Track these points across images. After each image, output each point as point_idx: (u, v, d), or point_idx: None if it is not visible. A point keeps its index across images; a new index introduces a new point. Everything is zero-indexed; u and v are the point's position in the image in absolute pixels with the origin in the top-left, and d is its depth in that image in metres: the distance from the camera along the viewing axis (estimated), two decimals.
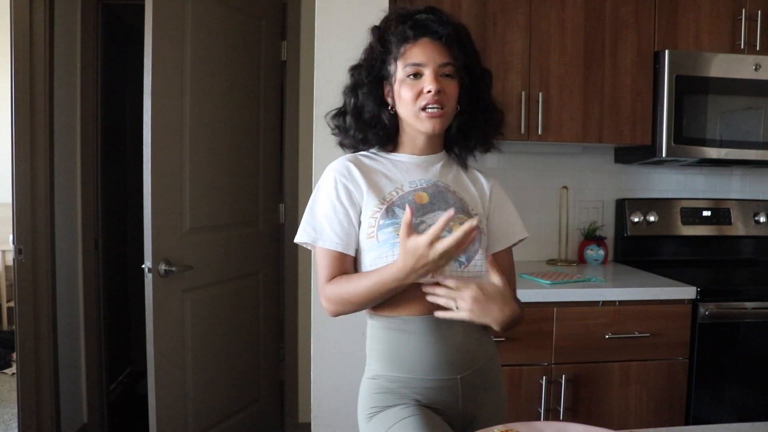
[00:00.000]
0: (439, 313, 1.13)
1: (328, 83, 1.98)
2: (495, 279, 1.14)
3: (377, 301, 1.17)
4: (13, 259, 2.49)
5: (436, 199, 1.22)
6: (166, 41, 2.08)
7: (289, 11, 2.75)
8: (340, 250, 1.20)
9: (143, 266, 2.08)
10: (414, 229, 1.15)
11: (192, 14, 2.18)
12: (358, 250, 1.23)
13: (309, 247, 1.26)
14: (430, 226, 1.17)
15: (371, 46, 1.25)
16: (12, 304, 4.17)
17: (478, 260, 1.22)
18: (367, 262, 1.20)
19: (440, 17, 1.21)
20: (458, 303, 1.10)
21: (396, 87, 1.21)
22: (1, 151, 3.29)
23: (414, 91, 1.18)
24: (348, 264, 1.22)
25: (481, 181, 1.33)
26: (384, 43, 1.22)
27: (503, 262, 1.30)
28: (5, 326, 4.53)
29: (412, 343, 1.18)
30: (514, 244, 1.35)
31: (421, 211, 1.19)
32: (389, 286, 1.12)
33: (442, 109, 1.18)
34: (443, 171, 1.28)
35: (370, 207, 1.20)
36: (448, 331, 1.19)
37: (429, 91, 1.17)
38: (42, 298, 2.52)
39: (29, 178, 2.47)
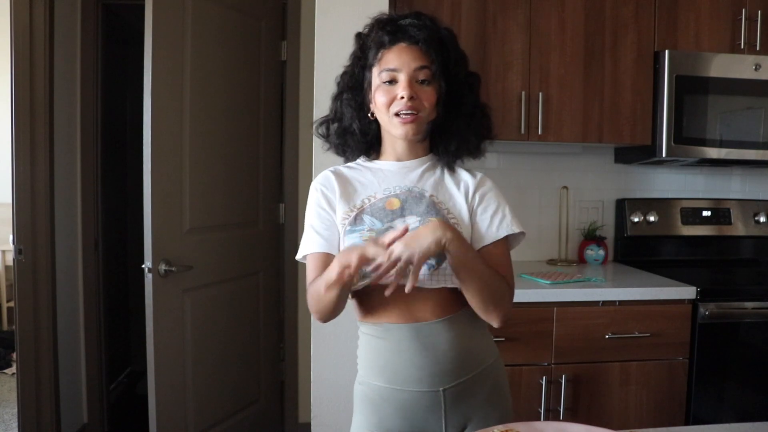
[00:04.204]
0: (407, 287, 1.05)
1: (328, 83, 1.95)
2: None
3: (332, 300, 1.13)
4: (13, 259, 2.49)
5: (407, 204, 1.19)
6: (166, 41, 2.08)
7: (289, 11, 2.75)
8: (324, 250, 1.20)
9: (143, 266, 2.08)
10: (379, 235, 1.14)
11: (192, 14, 2.18)
12: None
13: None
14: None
15: (354, 53, 1.25)
16: (12, 304, 4.16)
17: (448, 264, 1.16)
18: None
19: (424, 22, 1.19)
20: (391, 256, 1.03)
21: (372, 93, 1.20)
22: (1, 151, 3.28)
23: (388, 97, 1.17)
24: None
25: (466, 180, 1.26)
26: (363, 50, 1.22)
27: (491, 257, 1.20)
28: (5, 326, 4.53)
29: (392, 352, 1.17)
30: (502, 241, 1.24)
31: (390, 217, 1.18)
32: (328, 280, 1.09)
33: (415, 114, 1.17)
34: (424, 175, 1.25)
35: (340, 215, 1.21)
36: (432, 340, 1.16)
37: (402, 97, 1.16)
38: (42, 298, 2.52)
39: (29, 178, 2.47)
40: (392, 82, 1.17)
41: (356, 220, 1.19)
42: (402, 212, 1.18)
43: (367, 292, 1.20)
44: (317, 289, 1.14)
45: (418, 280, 1.07)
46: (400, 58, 1.17)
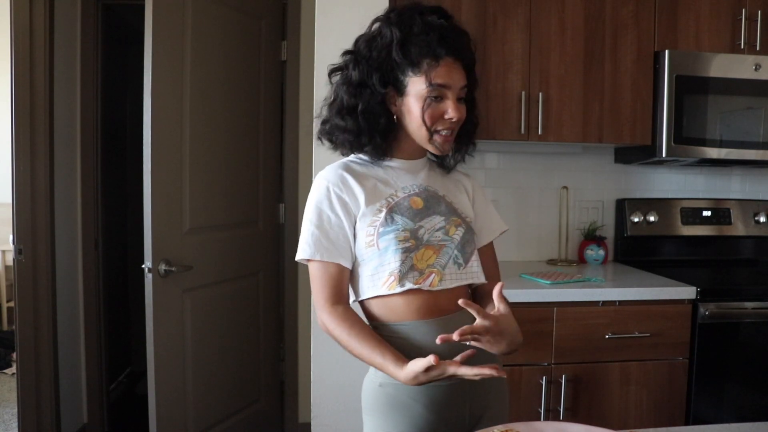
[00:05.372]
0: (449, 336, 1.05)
1: (328, 83, 1.97)
2: (503, 309, 1.07)
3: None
4: (13, 259, 2.49)
5: (429, 203, 1.22)
6: (166, 41, 2.08)
7: (289, 11, 2.75)
8: (337, 262, 1.17)
9: (143, 266, 2.08)
10: (413, 235, 1.16)
11: (192, 14, 2.18)
12: (355, 262, 1.21)
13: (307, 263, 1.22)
14: (428, 230, 1.19)
15: (387, 47, 1.15)
16: (12, 304, 4.17)
17: (474, 261, 1.24)
18: (369, 271, 1.18)
19: (451, 22, 1.18)
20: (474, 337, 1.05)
21: (409, 100, 1.17)
22: (1, 151, 3.29)
23: (434, 113, 1.16)
24: (345, 278, 1.19)
25: (463, 182, 1.34)
26: (405, 52, 1.14)
27: (487, 254, 1.33)
28: (5, 326, 4.53)
29: (423, 349, 1.14)
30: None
31: (418, 217, 1.19)
32: (383, 370, 1.11)
33: (454, 132, 1.20)
34: (429, 175, 1.28)
35: (368, 215, 1.18)
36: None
37: (450, 118, 1.16)
38: (42, 298, 2.52)
39: (29, 178, 2.47)
40: (438, 97, 1.16)
41: (387, 219, 1.17)
42: (427, 211, 1.20)
43: (391, 299, 1.18)
44: (357, 350, 1.14)
45: (447, 281, 1.19)
46: (451, 76, 1.15)
